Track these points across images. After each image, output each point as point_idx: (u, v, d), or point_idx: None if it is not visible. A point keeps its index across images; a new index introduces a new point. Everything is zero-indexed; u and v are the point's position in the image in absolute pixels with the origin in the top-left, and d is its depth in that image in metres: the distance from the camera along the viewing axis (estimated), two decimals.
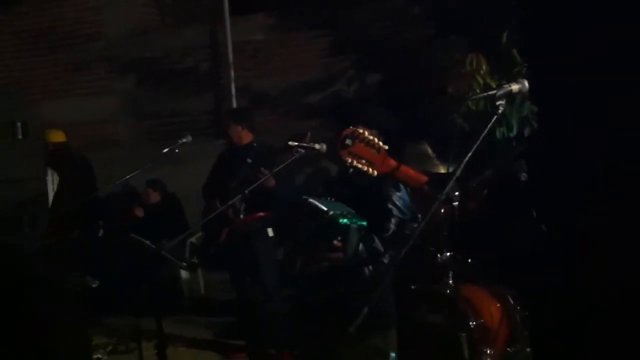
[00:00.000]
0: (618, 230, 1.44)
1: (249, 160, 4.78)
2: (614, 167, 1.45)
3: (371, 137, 2.63)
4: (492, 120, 2.53)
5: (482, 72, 5.43)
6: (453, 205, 2.46)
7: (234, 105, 7.46)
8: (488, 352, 4.13)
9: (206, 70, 7.70)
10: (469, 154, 2.45)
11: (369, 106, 6.37)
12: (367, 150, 2.60)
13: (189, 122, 7.31)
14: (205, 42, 7.68)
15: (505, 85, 2.57)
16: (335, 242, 3.16)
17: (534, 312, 2.02)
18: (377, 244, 3.38)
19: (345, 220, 3.33)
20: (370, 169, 2.60)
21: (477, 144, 2.45)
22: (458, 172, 2.41)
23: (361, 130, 2.63)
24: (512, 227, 2.53)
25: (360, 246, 3.26)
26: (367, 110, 5.43)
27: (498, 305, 4.33)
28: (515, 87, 2.55)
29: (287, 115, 7.10)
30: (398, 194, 3.84)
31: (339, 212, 3.19)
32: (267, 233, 4.58)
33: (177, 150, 4.80)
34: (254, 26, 7.55)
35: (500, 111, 2.51)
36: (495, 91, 2.55)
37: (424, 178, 2.75)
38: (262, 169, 4.31)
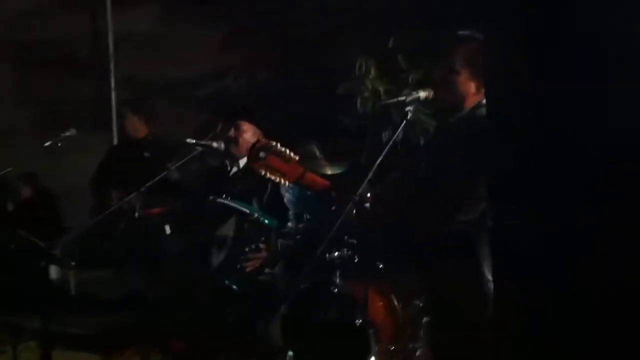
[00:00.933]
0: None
1: (147, 155, 4.67)
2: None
3: (282, 149, 2.74)
4: (402, 125, 2.63)
5: (370, 76, 5.58)
6: (365, 207, 2.54)
7: (113, 97, 7.24)
8: (375, 349, 4.27)
9: (87, 59, 7.39)
10: (381, 157, 2.54)
11: (257, 104, 6.43)
12: (279, 162, 2.71)
13: (70, 111, 7.00)
14: (87, 29, 7.37)
15: (413, 92, 2.69)
16: (260, 244, 3.30)
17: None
18: (288, 240, 3.55)
19: (268, 221, 3.52)
20: (283, 179, 2.71)
21: (388, 147, 2.55)
22: (370, 175, 2.50)
23: (273, 143, 2.73)
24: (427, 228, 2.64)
25: (278, 244, 3.42)
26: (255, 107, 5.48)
27: (382, 303, 4.49)
28: (422, 94, 2.67)
29: (173, 108, 6.95)
30: (290, 191, 4.06)
31: (260, 213, 3.32)
32: (164, 230, 4.50)
33: (59, 144, 4.62)
34: (139, 16, 7.32)
35: (409, 117, 2.63)
36: (404, 97, 2.67)
37: (327, 182, 2.84)
38: (167, 165, 4.24)
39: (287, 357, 3.46)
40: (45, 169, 6.54)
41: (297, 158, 2.77)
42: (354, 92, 5.63)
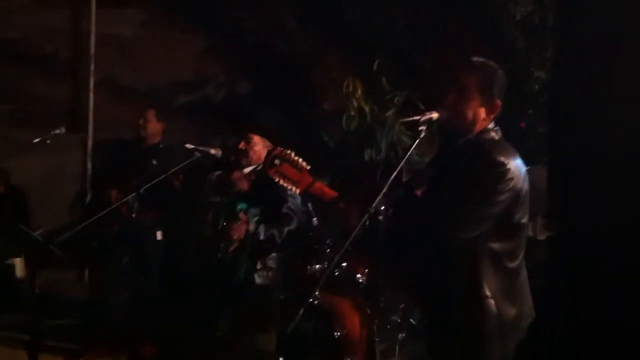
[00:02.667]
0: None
1: (154, 162, 4.71)
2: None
3: (296, 158, 2.84)
4: (414, 144, 2.74)
5: (357, 95, 5.71)
6: (378, 219, 2.63)
7: (91, 99, 7.18)
8: None
9: (66, 59, 7.31)
10: (395, 172, 2.64)
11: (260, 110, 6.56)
12: (292, 170, 2.81)
13: (45, 111, 6.92)
14: (67, 29, 7.30)
15: (427, 113, 2.80)
16: (240, 214, 3.62)
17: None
18: (275, 231, 3.87)
19: (243, 205, 3.80)
20: (294, 187, 2.81)
21: (402, 163, 2.66)
22: (385, 188, 2.59)
23: (288, 151, 2.83)
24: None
25: (260, 227, 3.73)
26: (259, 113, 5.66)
27: (359, 317, 4.59)
28: (435, 115, 2.79)
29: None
30: (293, 200, 4.23)
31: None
32: (155, 235, 4.54)
33: (48, 141, 4.62)
34: (122, 20, 7.30)
35: (422, 136, 2.74)
36: (419, 117, 2.77)
37: (335, 193, 2.93)
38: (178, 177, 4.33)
39: None
40: (17, 166, 6.47)
41: (308, 168, 2.87)
42: (340, 109, 5.76)
